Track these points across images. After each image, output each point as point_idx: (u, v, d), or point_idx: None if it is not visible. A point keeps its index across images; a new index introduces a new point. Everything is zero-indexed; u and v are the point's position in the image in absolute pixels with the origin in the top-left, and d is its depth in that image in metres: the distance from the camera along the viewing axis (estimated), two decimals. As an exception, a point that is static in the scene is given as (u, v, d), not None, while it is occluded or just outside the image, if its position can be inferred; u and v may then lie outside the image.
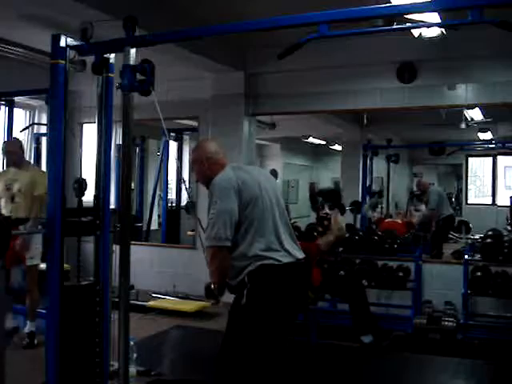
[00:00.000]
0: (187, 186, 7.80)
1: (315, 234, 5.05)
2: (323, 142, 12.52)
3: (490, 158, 10.88)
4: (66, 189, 2.85)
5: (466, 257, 5.06)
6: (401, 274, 5.27)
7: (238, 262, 2.56)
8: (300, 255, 2.67)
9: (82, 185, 3.11)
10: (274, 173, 4.61)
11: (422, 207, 7.80)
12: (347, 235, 5.61)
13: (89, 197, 3.12)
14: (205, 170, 2.75)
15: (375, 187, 8.70)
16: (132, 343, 3.24)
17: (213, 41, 4.84)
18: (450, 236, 8.34)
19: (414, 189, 8.41)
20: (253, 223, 2.55)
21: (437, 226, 7.75)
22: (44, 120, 7.11)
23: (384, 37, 4.87)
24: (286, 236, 2.66)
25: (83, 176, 3.22)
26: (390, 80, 5.74)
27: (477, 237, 6.90)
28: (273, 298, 2.52)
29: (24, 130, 6.81)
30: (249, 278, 2.52)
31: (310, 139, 11.83)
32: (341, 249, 5.43)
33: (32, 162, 7.03)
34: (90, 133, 6.64)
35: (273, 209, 2.65)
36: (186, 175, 8.53)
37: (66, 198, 2.85)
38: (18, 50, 5.78)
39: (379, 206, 8.66)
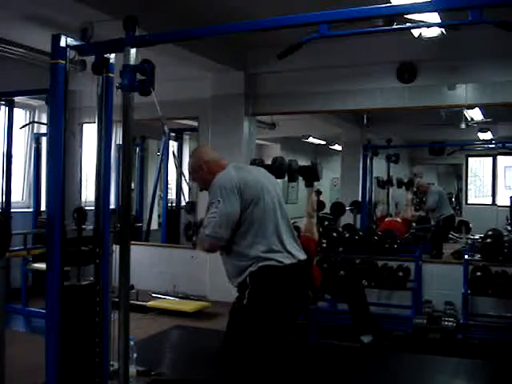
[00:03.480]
0: (186, 180, 7.73)
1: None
2: (323, 142, 12.53)
3: (490, 158, 10.88)
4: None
5: (466, 257, 5.06)
6: (401, 274, 5.27)
7: (238, 261, 2.56)
8: (302, 256, 2.67)
9: (81, 214, 3.14)
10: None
11: (408, 196, 7.80)
12: (347, 235, 5.62)
13: (89, 197, 3.12)
14: (204, 174, 2.72)
15: (375, 189, 8.66)
16: (132, 343, 3.24)
17: (213, 41, 4.84)
18: (450, 236, 8.34)
19: (414, 189, 8.36)
20: (253, 224, 2.54)
21: (437, 225, 7.75)
22: (44, 120, 7.10)
23: (384, 37, 4.89)
24: (288, 237, 2.65)
25: (83, 174, 3.22)
26: (390, 80, 5.74)
27: (477, 237, 6.89)
28: (274, 300, 2.52)
29: (24, 127, 6.81)
30: (250, 279, 2.51)
31: (310, 139, 11.83)
32: (341, 249, 5.43)
33: (32, 161, 7.05)
34: (90, 133, 6.64)
35: (274, 209, 2.64)
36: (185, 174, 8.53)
37: (65, 200, 2.86)
38: (18, 49, 5.78)
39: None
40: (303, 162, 4.93)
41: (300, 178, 4.81)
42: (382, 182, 8.05)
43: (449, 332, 4.78)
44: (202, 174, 2.74)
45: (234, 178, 2.58)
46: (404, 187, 8.28)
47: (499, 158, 10.78)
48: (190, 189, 7.58)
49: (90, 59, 2.92)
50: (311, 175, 4.54)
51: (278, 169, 4.41)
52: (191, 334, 5.18)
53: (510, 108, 6.57)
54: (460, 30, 4.13)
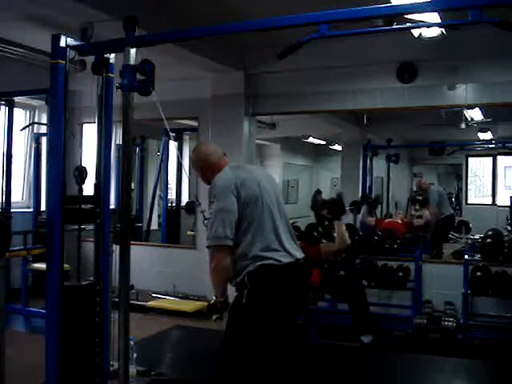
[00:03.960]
0: (188, 176, 7.67)
1: (315, 233, 5.05)
2: (323, 142, 12.52)
3: (490, 158, 10.88)
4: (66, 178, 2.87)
5: (466, 257, 5.06)
6: (401, 274, 5.27)
7: (238, 261, 2.56)
8: (300, 255, 2.67)
9: (82, 172, 3.13)
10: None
11: (426, 213, 7.59)
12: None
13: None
14: (205, 171, 2.76)
15: (375, 189, 8.64)
16: (132, 343, 3.24)
17: (213, 41, 4.84)
18: (450, 236, 8.33)
19: (414, 188, 8.34)
20: (252, 223, 2.55)
21: (437, 226, 7.74)
22: (44, 120, 7.10)
23: (384, 37, 4.89)
24: (286, 236, 2.65)
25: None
26: (389, 80, 5.73)
27: (477, 237, 6.89)
28: (273, 299, 2.52)
29: (24, 128, 6.81)
30: (249, 278, 2.52)
31: (310, 139, 11.83)
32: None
33: (32, 161, 7.05)
34: (90, 133, 6.64)
35: (273, 208, 2.64)
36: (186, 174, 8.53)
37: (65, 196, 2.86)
38: (18, 49, 5.78)
39: (374, 211, 8.51)
40: (303, 161, 4.94)
41: (300, 179, 4.81)
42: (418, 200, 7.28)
43: (449, 332, 4.78)
44: (203, 170, 2.79)
45: (231, 177, 2.60)
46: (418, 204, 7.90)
47: (499, 157, 10.77)
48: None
49: (89, 59, 2.92)
50: (338, 208, 4.54)
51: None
52: (191, 334, 5.18)
53: (510, 108, 6.56)
54: (460, 30, 4.12)
